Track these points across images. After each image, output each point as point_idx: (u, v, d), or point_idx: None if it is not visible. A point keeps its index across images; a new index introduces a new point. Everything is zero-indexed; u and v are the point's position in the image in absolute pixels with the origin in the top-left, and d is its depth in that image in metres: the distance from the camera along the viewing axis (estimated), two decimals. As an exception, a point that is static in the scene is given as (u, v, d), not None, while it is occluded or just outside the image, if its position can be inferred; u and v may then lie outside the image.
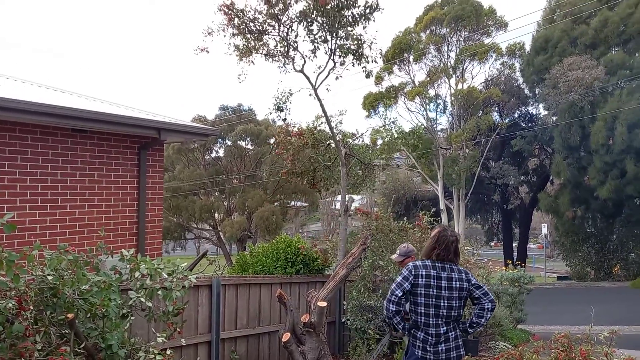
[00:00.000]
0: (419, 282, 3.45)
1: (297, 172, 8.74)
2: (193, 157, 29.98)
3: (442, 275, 3.48)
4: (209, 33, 7.18)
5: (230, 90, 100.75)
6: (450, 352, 3.46)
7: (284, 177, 9.34)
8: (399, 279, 3.50)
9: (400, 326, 3.51)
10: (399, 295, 3.42)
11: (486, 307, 3.51)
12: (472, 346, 7.09)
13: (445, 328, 3.47)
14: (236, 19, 7.06)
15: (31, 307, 2.95)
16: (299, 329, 5.95)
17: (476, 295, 3.52)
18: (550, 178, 28.61)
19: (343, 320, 7.39)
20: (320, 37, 7.13)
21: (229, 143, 30.06)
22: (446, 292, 3.45)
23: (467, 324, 3.58)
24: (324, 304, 5.92)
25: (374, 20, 7.24)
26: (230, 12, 6.96)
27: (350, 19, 7.08)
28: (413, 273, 3.47)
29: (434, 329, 3.45)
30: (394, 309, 3.43)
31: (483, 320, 3.54)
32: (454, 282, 3.47)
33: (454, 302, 3.46)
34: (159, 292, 3.70)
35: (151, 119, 6.81)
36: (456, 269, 3.54)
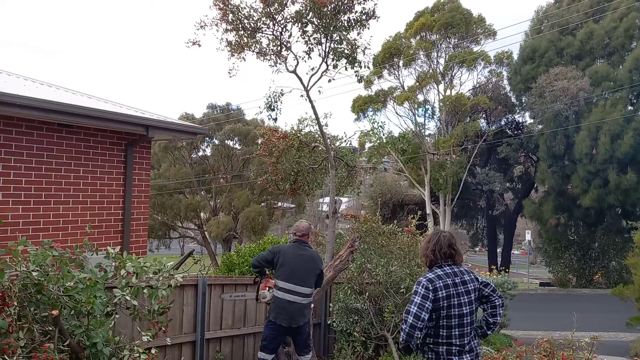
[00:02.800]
0: (440, 296, 3.10)
1: (276, 178, 8.40)
2: (180, 155, 29.73)
3: (457, 280, 3.20)
4: (201, 26, 7.04)
5: (219, 89, 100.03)
6: None
7: (264, 185, 8.88)
8: (417, 299, 3.08)
9: (416, 348, 3.22)
10: (426, 318, 3.03)
11: (497, 304, 3.32)
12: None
13: (468, 338, 3.21)
14: (230, 15, 6.96)
15: (15, 303, 2.89)
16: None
17: (486, 294, 3.30)
18: (535, 185, 29.04)
19: (329, 322, 7.39)
20: (314, 38, 7.08)
21: (217, 142, 29.87)
22: (465, 297, 3.18)
23: (485, 327, 3.36)
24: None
25: (368, 28, 7.22)
26: (225, 7, 6.87)
27: (346, 24, 7.05)
28: (431, 288, 3.11)
29: (457, 340, 3.17)
30: (419, 335, 3.04)
31: (498, 318, 3.34)
32: (469, 285, 3.22)
33: (473, 306, 3.23)
34: (145, 290, 3.65)
35: (139, 116, 6.73)
36: (465, 271, 3.29)
